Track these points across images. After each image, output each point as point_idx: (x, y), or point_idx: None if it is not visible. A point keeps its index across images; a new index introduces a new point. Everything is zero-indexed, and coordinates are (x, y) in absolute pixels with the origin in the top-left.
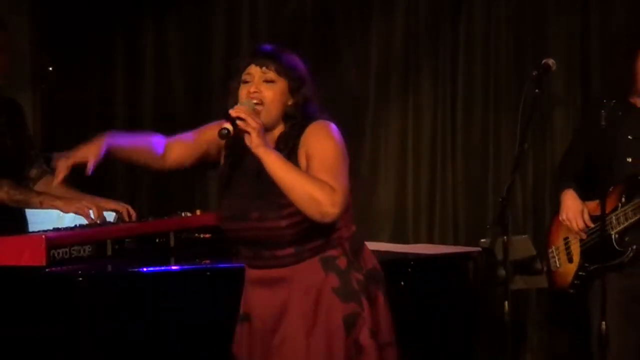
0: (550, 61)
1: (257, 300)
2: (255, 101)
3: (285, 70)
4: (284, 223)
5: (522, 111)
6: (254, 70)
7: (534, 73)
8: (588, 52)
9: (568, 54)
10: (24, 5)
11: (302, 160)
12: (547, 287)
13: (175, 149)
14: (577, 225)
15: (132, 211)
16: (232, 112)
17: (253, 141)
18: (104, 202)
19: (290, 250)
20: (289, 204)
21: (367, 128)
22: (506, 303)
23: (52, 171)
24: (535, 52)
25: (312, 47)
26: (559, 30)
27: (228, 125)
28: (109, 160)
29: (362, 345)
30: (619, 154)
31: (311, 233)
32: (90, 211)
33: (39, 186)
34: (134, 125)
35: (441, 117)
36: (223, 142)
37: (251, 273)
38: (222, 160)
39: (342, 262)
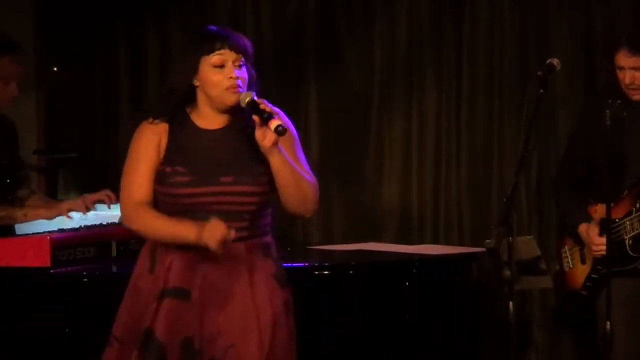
0: (555, 61)
1: (200, 274)
2: (234, 87)
3: (250, 56)
4: (257, 189)
5: (527, 111)
6: (230, 56)
7: (539, 73)
8: (593, 52)
9: (572, 54)
10: (28, 4)
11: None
12: (552, 288)
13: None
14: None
15: (112, 195)
16: (266, 107)
17: (272, 138)
18: (86, 198)
19: (244, 224)
20: (263, 172)
21: (371, 128)
22: (511, 303)
23: (38, 191)
24: (540, 52)
25: (315, 47)
26: (563, 30)
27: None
28: (113, 162)
29: (293, 331)
30: (630, 156)
31: (263, 211)
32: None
33: (26, 206)
34: (138, 124)
35: (445, 117)
36: (162, 143)
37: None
38: (162, 153)
39: (274, 250)
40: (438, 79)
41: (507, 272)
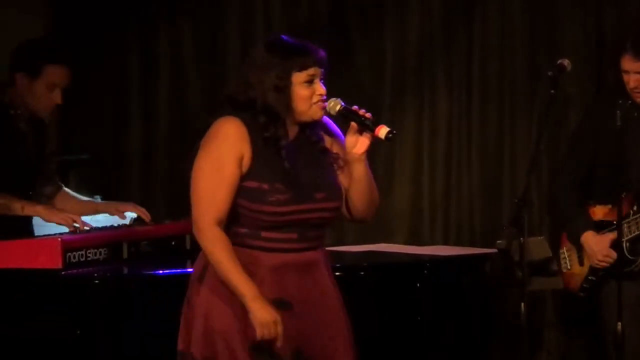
0: (566, 62)
1: (296, 285)
2: (320, 102)
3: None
4: (341, 202)
5: (538, 112)
6: (316, 71)
7: (549, 74)
8: (603, 52)
9: (583, 54)
10: (38, 5)
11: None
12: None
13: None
14: (612, 260)
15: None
16: (365, 114)
17: (365, 146)
18: (115, 206)
19: (322, 232)
20: (341, 184)
21: None
22: (522, 304)
23: (64, 186)
24: (550, 52)
25: (326, 48)
26: (574, 31)
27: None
28: (124, 163)
29: None
30: (632, 158)
31: None
32: (75, 224)
33: (54, 203)
34: (149, 126)
35: (456, 117)
36: (245, 159)
37: (278, 258)
38: (246, 167)
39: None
40: (449, 80)
41: (518, 273)
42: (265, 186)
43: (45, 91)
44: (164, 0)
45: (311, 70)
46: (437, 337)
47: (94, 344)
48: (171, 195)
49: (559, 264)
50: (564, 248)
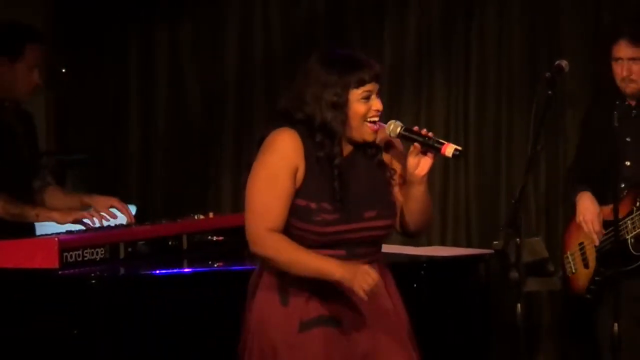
0: (563, 62)
1: (347, 302)
2: (376, 119)
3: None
4: (394, 220)
5: (535, 112)
6: (373, 87)
7: (547, 75)
8: (601, 53)
9: (581, 55)
10: (38, 6)
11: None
12: (561, 290)
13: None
14: (594, 228)
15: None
16: (427, 133)
17: (427, 167)
18: (103, 200)
19: (376, 249)
20: (395, 201)
21: None
22: (519, 305)
23: (55, 183)
24: (548, 53)
25: (325, 46)
26: (572, 31)
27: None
28: (122, 164)
29: None
30: (629, 157)
31: None
32: (94, 219)
33: (43, 198)
34: (147, 126)
35: (454, 117)
36: (299, 174)
37: None
38: (299, 182)
39: (384, 260)
40: (447, 80)
41: (515, 274)
42: (313, 205)
43: (27, 72)
44: (163, 1)
45: (368, 87)
46: (434, 338)
47: (91, 343)
48: (169, 196)
49: (564, 269)
50: (568, 252)
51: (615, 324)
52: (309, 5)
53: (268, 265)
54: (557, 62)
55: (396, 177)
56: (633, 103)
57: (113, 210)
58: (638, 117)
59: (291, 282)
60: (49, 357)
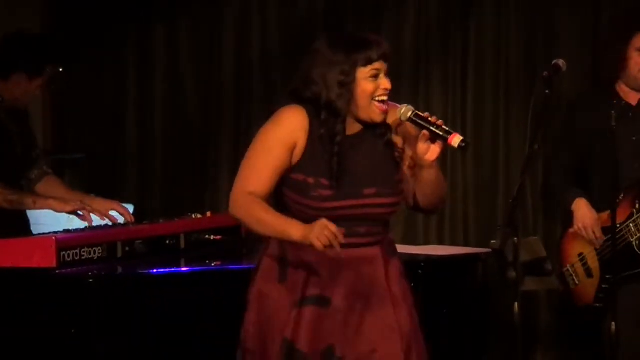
0: (561, 62)
1: (342, 281)
2: (385, 97)
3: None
4: (397, 199)
5: (533, 112)
6: (381, 65)
7: (544, 74)
8: (599, 53)
9: (579, 54)
10: (36, 5)
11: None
12: (558, 288)
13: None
14: (596, 234)
15: (125, 212)
16: (438, 121)
17: (436, 153)
18: (104, 203)
19: (379, 229)
20: (400, 180)
21: None
22: (516, 304)
23: (53, 172)
24: (546, 52)
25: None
26: (569, 31)
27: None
28: (119, 163)
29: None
30: (625, 158)
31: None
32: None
33: (40, 188)
34: (145, 125)
35: (451, 117)
36: (297, 149)
37: (323, 252)
38: (297, 157)
39: (395, 247)
40: (444, 78)
41: (512, 273)
42: (310, 180)
43: (39, 89)
44: (161, 0)
45: (376, 65)
46: (431, 337)
47: (88, 342)
48: (167, 195)
49: (566, 282)
50: (568, 265)
51: (613, 323)
52: (306, 4)
53: (266, 248)
54: (554, 62)
55: (405, 157)
56: (634, 103)
57: (114, 213)
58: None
59: (292, 259)
60: (47, 356)
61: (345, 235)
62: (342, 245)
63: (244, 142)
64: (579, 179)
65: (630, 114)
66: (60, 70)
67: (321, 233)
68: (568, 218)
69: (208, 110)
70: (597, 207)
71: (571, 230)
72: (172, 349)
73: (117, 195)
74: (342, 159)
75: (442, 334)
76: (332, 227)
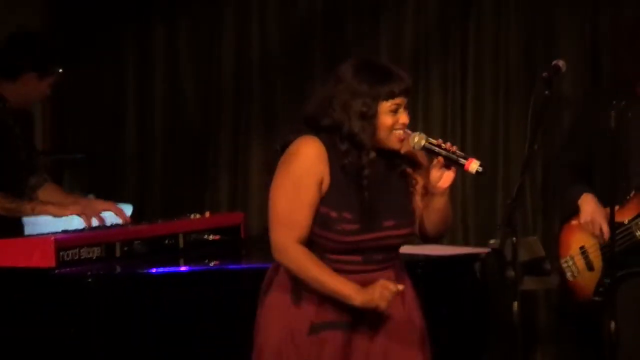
0: (561, 62)
1: (356, 308)
2: (402, 131)
3: None
4: (413, 229)
5: (532, 112)
6: (402, 100)
7: (544, 74)
8: (598, 53)
9: (578, 55)
10: (36, 5)
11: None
12: (558, 289)
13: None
14: (603, 229)
15: (121, 212)
16: (451, 147)
17: (449, 180)
18: (99, 204)
19: (393, 254)
20: (414, 210)
21: None
22: (515, 304)
23: (51, 180)
24: (546, 53)
25: (321, 47)
26: (569, 31)
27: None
28: (119, 163)
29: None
30: (633, 156)
31: None
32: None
33: (40, 194)
34: (144, 125)
35: (451, 117)
36: (324, 183)
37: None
38: (324, 191)
39: (403, 265)
40: (444, 79)
41: (511, 273)
42: (334, 214)
43: (47, 90)
44: (160, 0)
45: (398, 100)
46: (430, 337)
47: (87, 342)
48: (166, 195)
49: (563, 274)
50: (567, 257)
51: (612, 322)
52: (306, 4)
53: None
54: (554, 62)
55: (418, 187)
56: None
57: (108, 214)
58: None
59: (304, 287)
60: (46, 356)
61: (362, 263)
62: (358, 272)
63: (243, 142)
64: (585, 176)
65: (630, 114)
66: (60, 70)
67: (383, 295)
68: (567, 213)
69: (208, 111)
70: (604, 204)
71: (574, 222)
72: (171, 348)
73: (117, 195)
74: (358, 188)
75: (442, 333)
76: (392, 286)
